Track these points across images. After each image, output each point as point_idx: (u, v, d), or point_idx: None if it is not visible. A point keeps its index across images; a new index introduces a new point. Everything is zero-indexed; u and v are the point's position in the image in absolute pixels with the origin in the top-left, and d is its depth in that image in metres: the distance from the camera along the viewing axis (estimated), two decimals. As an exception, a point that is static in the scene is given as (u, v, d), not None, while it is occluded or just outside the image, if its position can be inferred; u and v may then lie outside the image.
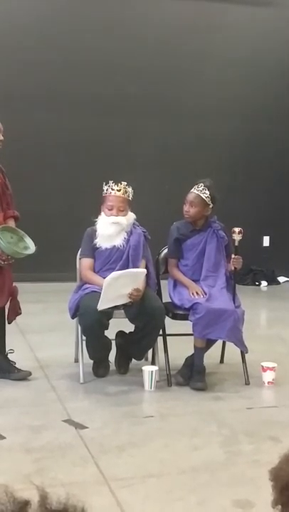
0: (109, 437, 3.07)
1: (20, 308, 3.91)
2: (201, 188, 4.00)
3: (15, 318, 3.93)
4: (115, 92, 7.62)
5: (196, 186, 4.02)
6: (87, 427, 3.18)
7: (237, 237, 3.97)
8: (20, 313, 3.92)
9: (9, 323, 3.94)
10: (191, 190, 4.02)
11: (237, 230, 3.98)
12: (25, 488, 0.97)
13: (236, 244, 3.99)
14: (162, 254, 4.20)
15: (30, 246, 3.82)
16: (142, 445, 2.98)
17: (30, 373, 3.93)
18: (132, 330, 4.00)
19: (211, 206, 4.02)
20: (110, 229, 3.94)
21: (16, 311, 3.89)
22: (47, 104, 7.34)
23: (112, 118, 7.59)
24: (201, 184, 4.01)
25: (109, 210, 3.97)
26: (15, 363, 3.93)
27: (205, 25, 7.90)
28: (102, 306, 3.60)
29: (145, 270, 3.80)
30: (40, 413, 3.38)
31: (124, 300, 3.71)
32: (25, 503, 0.86)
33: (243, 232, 4.00)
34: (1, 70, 7.18)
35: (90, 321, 3.71)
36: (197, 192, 3.99)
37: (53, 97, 7.39)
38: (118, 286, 3.64)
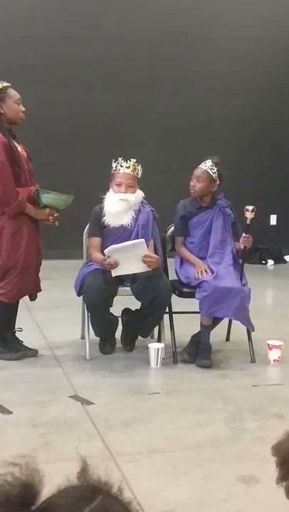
0: (115, 413, 3.09)
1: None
2: (209, 164, 3.96)
3: (36, 296, 3.96)
4: (122, 67, 7.55)
5: (203, 162, 3.99)
6: (93, 403, 3.20)
7: (249, 216, 3.88)
8: (41, 290, 3.95)
9: (32, 300, 3.98)
10: (199, 166, 3.99)
11: (250, 208, 3.88)
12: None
13: (248, 222, 3.90)
14: (169, 232, 4.19)
15: (68, 196, 3.86)
16: (147, 421, 3.00)
17: (37, 352, 3.96)
18: (138, 307, 4.00)
19: (217, 183, 3.99)
20: (118, 206, 3.90)
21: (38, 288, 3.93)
22: (52, 80, 7.28)
23: (119, 95, 7.53)
24: (209, 160, 3.98)
25: (117, 186, 3.93)
26: (22, 342, 3.95)
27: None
28: (116, 272, 3.64)
29: (143, 239, 3.75)
30: (47, 389, 3.41)
31: (141, 268, 3.70)
32: (30, 486, 0.84)
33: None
34: (3, 43, 7.11)
35: (94, 298, 3.72)
36: (205, 168, 3.96)
37: (58, 72, 7.32)
38: (122, 259, 3.64)
